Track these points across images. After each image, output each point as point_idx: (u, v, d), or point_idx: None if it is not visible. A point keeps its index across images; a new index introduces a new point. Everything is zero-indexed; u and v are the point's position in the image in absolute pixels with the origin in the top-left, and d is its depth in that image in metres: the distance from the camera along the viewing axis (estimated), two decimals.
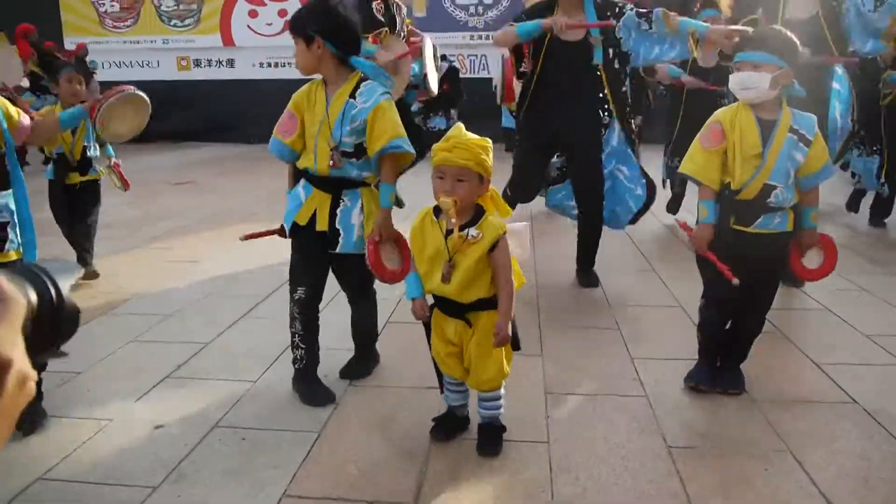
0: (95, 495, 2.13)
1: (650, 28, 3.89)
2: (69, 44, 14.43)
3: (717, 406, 2.72)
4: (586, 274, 4.38)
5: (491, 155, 2.20)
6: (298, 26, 2.61)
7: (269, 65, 14.52)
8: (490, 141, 2.21)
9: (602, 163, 4.11)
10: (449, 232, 2.19)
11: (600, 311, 3.89)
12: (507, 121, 11.99)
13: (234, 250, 5.29)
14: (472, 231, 2.18)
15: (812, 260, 2.77)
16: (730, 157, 2.64)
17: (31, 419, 2.51)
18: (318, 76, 2.71)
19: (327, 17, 2.59)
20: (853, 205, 6.21)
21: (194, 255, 5.14)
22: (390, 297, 3.92)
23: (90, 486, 2.18)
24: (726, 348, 2.87)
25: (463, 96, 8.20)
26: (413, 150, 2.70)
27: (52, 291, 0.84)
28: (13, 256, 2.38)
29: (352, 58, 2.67)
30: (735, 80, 2.61)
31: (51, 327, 0.86)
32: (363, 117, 2.60)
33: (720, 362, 2.88)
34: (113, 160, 4.48)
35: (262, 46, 14.75)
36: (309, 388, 2.79)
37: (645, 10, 3.94)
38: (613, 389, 2.86)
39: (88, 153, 4.31)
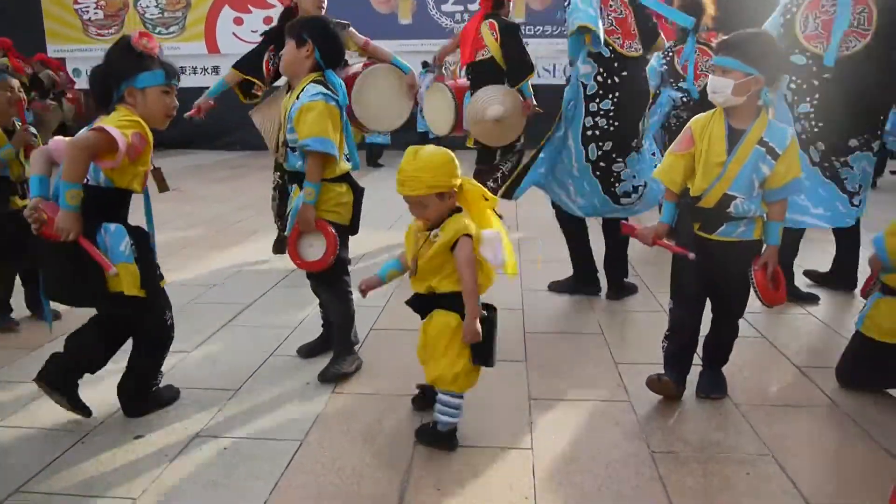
0: None
1: None
2: (52, 52, 14.37)
3: (700, 411, 2.72)
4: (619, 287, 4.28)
5: (451, 167, 2.30)
6: (295, 28, 2.90)
7: None
8: (448, 152, 2.32)
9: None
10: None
11: (585, 317, 3.89)
12: (423, 125, 12.11)
13: (219, 258, 5.27)
14: (435, 231, 2.35)
15: (774, 285, 2.70)
16: (696, 163, 2.65)
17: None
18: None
19: (321, 28, 2.91)
20: None
21: (180, 263, 5.10)
22: (375, 305, 3.91)
23: (69, 498, 2.15)
24: (687, 360, 2.82)
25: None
26: (329, 151, 2.79)
27: None
28: None
29: (327, 70, 2.91)
30: (708, 85, 2.63)
31: None
32: (293, 114, 2.84)
33: (705, 366, 2.89)
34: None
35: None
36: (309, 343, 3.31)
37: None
38: (597, 395, 2.86)
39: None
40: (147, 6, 14.92)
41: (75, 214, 2.37)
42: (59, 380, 2.59)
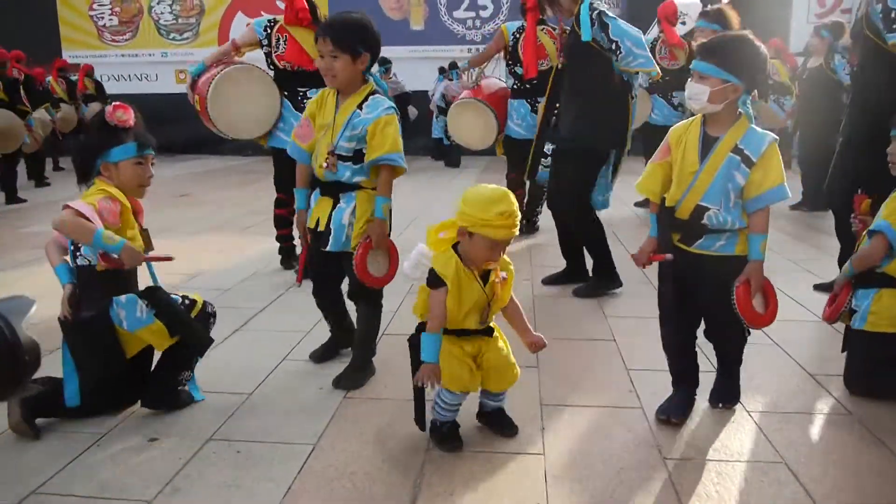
0: None
1: None
2: (68, 58, 14.50)
3: (713, 418, 2.71)
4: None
5: None
6: (346, 43, 2.75)
7: None
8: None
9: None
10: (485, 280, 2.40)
11: (596, 323, 3.89)
12: (437, 131, 12.20)
13: (231, 263, 5.30)
14: (502, 274, 2.40)
15: (759, 304, 2.52)
16: (672, 172, 2.56)
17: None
18: None
19: (372, 35, 2.83)
20: None
21: (191, 268, 5.14)
22: (387, 311, 3.92)
23: (84, 500, 2.17)
24: (692, 374, 2.75)
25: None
26: (405, 166, 2.86)
27: (6, 331, 0.85)
28: None
29: (373, 76, 2.91)
30: (686, 91, 2.52)
31: (10, 365, 0.86)
32: (365, 125, 2.78)
33: (718, 377, 2.81)
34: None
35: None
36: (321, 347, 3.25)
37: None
38: (609, 401, 2.86)
39: None
40: (161, 13, 15.06)
41: (126, 248, 2.55)
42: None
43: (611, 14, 4.15)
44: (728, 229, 2.48)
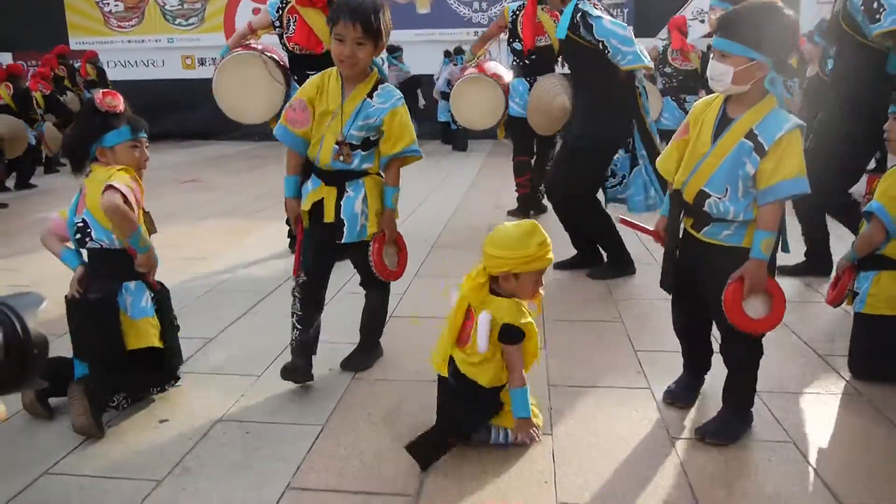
0: (100, 489, 2.14)
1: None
2: (74, 44, 14.51)
3: (721, 397, 2.70)
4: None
5: None
6: (375, 31, 2.63)
7: None
8: None
9: None
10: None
11: (604, 305, 3.88)
12: (444, 115, 12.23)
13: (239, 247, 5.32)
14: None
15: (755, 308, 2.25)
16: (686, 152, 2.38)
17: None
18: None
19: (387, 22, 2.70)
20: None
21: (200, 253, 5.16)
22: (395, 293, 3.92)
23: (95, 480, 2.19)
24: (700, 359, 2.67)
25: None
26: (422, 154, 2.84)
27: (18, 325, 0.85)
28: None
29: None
30: (708, 69, 2.29)
31: (20, 360, 0.87)
32: (380, 116, 2.71)
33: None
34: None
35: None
36: (290, 363, 2.78)
37: None
38: (617, 382, 2.86)
39: None
40: None
41: (149, 253, 2.67)
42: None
43: (596, 13, 4.07)
44: (728, 219, 2.26)
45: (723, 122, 2.27)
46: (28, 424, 2.55)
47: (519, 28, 5.84)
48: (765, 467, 2.23)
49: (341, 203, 2.77)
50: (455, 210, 6.87)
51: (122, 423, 2.56)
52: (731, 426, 2.41)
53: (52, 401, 2.62)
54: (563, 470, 2.23)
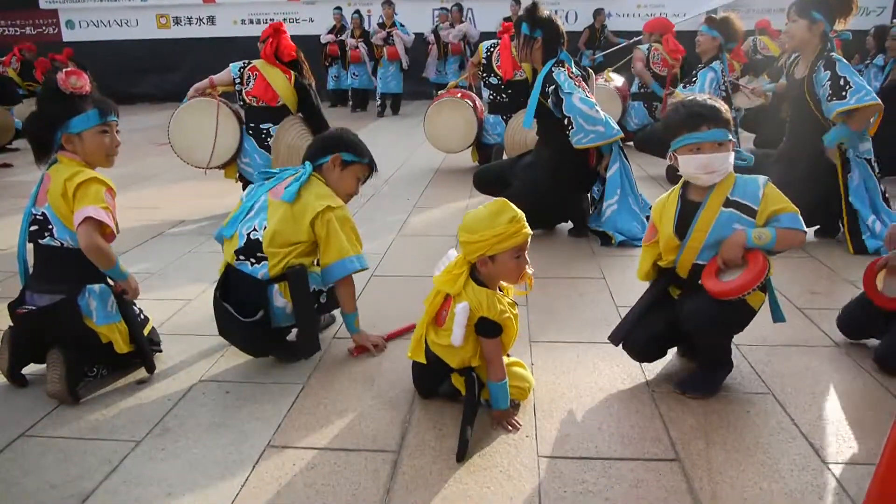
0: (79, 450, 2.12)
1: None
2: (44, 4, 14.13)
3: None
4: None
5: None
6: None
7: (250, 21, 14.26)
8: None
9: None
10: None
11: (586, 261, 3.88)
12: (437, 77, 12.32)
13: (215, 208, 5.25)
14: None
15: (731, 280, 2.28)
16: (660, 246, 2.47)
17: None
18: None
19: None
20: None
21: (179, 214, 5.09)
22: (375, 253, 3.91)
23: (74, 441, 2.17)
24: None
25: None
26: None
27: None
28: None
29: None
30: (699, 164, 2.29)
31: None
32: None
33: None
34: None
35: (243, 2, 14.45)
36: None
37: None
38: (598, 337, 2.86)
39: None
40: None
41: (129, 279, 2.56)
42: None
43: (567, 87, 4.01)
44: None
45: (686, 208, 2.39)
46: (5, 389, 2.51)
47: (495, 64, 6.43)
48: (744, 419, 2.25)
49: None
50: (435, 171, 6.85)
51: (99, 383, 2.53)
52: (710, 380, 2.45)
53: (27, 369, 2.57)
54: (543, 424, 2.24)
